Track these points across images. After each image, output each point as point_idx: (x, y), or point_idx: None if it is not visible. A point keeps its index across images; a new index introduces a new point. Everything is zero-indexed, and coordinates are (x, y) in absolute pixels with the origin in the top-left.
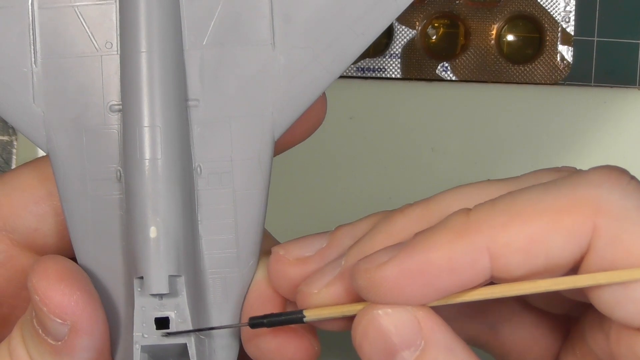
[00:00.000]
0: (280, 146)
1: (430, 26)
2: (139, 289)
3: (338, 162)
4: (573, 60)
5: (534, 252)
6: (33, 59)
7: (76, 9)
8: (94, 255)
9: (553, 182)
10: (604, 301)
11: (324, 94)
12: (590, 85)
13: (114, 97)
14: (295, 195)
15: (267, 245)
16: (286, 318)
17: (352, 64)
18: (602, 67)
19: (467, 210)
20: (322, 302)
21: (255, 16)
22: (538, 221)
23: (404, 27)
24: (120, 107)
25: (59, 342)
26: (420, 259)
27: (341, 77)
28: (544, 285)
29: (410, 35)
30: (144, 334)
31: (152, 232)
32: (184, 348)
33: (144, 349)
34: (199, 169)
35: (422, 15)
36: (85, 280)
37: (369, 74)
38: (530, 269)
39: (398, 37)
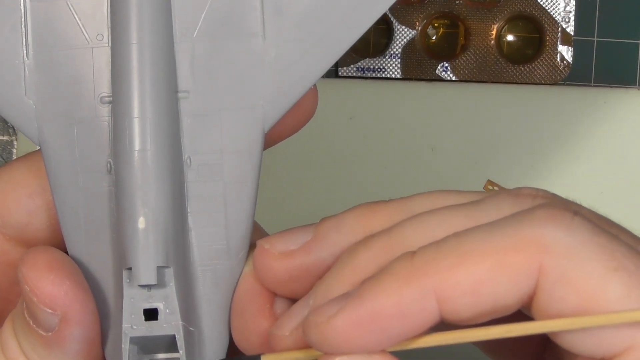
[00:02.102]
0: (271, 139)
1: (430, 26)
2: (128, 280)
3: (338, 162)
4: (573, 60)
5: (480, 294)
6: (25, 52)
7: (68, 1)
8: (84, 246)
9: (498, 222)
10: (562, 339)
11: (315, 86)
12: (590, 85)
13: (105, 89)
14: (295, 194)
15: (257, 237)
16: None
17: (352, 64)
18: (602, 67)
19: (411, 254)
20: (294, 344)
21: (246, 8)
22: (483, 263)
23: (404, 27)
24: (111, 98)
25: (50, 333)
26: (368, 307)
27: (341, 77)
28: (497, 332)
29: (410, 35)
30: (132, 325)
31: (141, 222)
32: (172, 339)
33: (133, 340)
34: (188, 160)
35: (422, 15)
36: (75, 271)
37: (369, 74)
38: (479, 310)
39: (398, 37)
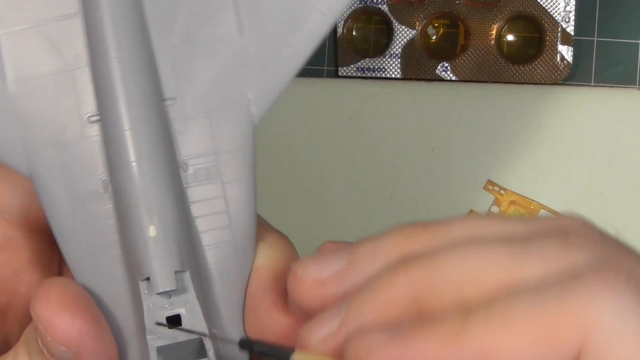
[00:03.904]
0: None
1: (430, 26)
2: (146, 291)
3: (338, 162)
4: (573, 60)
5: None
6: (2, 86)
7: (40, 29)
8: (92, 271)
9: (546, 290)
10: None
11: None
12: (590, 85)
13: (90, 108)
14: (296, 194)
15: (262, 231)
16: (275, 352)
17: (352, 64)
18: (602, 67)
19: (465, 314)
20: (321, 352)
21: (219, 8)
22: (528, 335)
23: (404, 27)
24: (98, 117)
25: None
26: (413, 350)
27: (341, 77)
28: None
29: (410, 35)
30: (157, 335)
31: (152, 231)
32: (201, 346)
33: (160, 350)
34: (185, 165)
35: (422, 15)
36: (88, 303)
37: (369, 74)
38: None
39: (398, 37)
